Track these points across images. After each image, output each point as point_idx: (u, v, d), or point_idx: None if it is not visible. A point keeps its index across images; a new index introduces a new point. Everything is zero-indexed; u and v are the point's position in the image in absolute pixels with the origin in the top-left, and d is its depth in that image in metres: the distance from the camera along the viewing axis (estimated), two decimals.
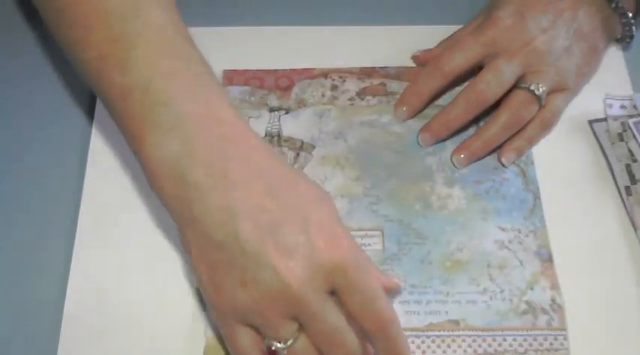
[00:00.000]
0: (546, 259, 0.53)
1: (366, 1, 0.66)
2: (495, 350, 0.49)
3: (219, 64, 0.61)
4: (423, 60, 0.61)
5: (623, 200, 0.56)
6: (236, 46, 0.63)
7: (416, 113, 0.59)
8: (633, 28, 0.61)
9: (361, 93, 0.60)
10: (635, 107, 0.59)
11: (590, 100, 0.60)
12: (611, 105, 0.59)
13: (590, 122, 0.60)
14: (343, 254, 0.43)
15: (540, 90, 0.56)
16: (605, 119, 0.59)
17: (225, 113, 0.45)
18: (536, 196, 0.55)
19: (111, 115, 0.48)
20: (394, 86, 0.60)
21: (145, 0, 0.47)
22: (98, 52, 0.46)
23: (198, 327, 0.51)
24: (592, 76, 0.61)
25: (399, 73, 0.61)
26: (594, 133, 0.59)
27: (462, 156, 0.57)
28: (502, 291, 0.51)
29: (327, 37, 0.64)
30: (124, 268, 0.53)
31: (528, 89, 0.56)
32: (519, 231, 0.54)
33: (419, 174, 0.56)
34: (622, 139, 0.57)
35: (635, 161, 0.56)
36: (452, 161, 0.57)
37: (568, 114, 0.60)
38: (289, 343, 0.44)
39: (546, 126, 0.58)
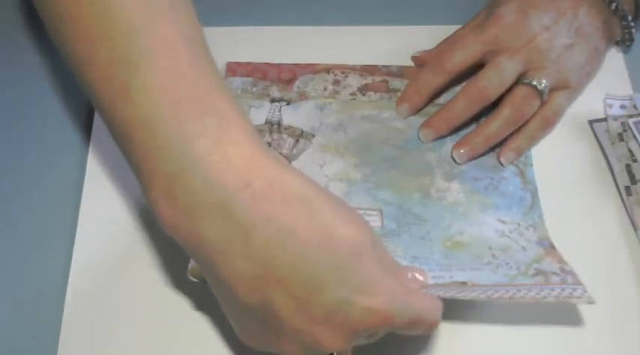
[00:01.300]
0: (548, 247, 0.53)
1: (367, 1, 0.66)
2: (511, 297, 0.47)
3: (221, 63, 0.61)
4: (422, 60, 0.61)
5: (623, 200, 0.56)
6: (238, 46, 0.63)
7: (417, 110, 0.59)
8: (633, 31, 0.61)
9: (363, 89, 0.60)
10: (635, 107, 0.58)
11: (590, 100, 0.60)
12: (611, 105, 0.59)
13: (590, 122, 0.60)
14: (383, 312, 0.40)
15: (542, 85, 0.56)
16: (605, 119, 0.59)
17: (240, 150, 0.39)
18: (535, 195, 0.55)
19: (117, 144, 0.43)
20: (396, 83, 0.60)
21: (155, 6, 0.41)
22: (102, 73, 0.41)
23: (200, 327, 0.51)
24: (593, 76, 0.61)
25: (401, 71, 0.61)
26: (594, 133, 0.59)
27: (462, 151, 0.56)
28: (508, 263, 0.51)
29: (327, 37, 0.64)
30: (124, 268, 0.53)
31: (530, 84, 0.56)
32: (519, 224, 0.54)
33: (418, 168, 0.56)
34: (622, 139, 0.57)
35: (635, 161, 0.56)
36: (452, 156, 0.57)
37: (568, 114, 0.60)
38: None
39: (548, 125, 0.58)
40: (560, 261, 0.51)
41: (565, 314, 0.51)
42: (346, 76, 0.61)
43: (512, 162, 0.57)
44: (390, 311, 0.41)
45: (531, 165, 0.57)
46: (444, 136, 0.58)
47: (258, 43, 0.63)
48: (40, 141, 0.59)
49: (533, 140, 0.58)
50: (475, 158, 0.57)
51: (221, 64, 0.61)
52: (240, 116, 0.41)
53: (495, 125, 0.56)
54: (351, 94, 0.60)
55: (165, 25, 0.41)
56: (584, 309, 0.51)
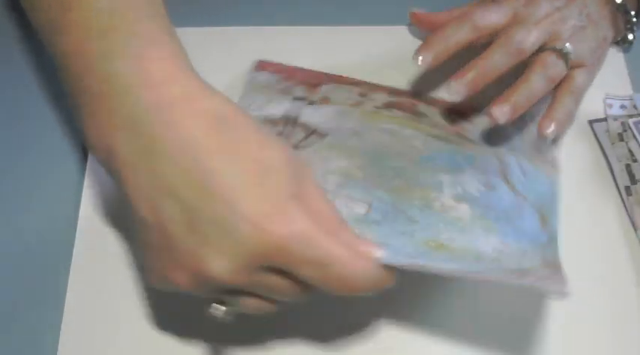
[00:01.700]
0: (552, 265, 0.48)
1: (366, 1, 0.66)
2: (483, 279, 0.46)
3: (221, 62, 0.61)
4: (420, 19, 0.61)
5: (623, 200, 0.56)
6: (238, 47, 0.63)
7: (438, 63, 0.54)
8: (634, 27, 0.61)
9: (388, 105, 0.58)
10: (635, 107, 0.59)
11: (590, 100, 0.60)
12: (611, 105, 0.59)
13: (590, 122, 0.60)
14: (278, 236, 0.38)
15: (566, 48, 0.55)
16: (605, 119, 0.59)
17: (161, 67, 0.41)
18: (552, 238, 0.50)
19: (62, 84, 0.45)
20: (423, 108, 0.58)
21: None
22: (45, 15, 0.44)
23: (200, 327, 0.51)
24: (601, 64, 0.60)
25: (432, 100, 0.59)
26: (594, 133, 0.59)
27: (505, 108, 0.52)
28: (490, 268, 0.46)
29: (326, 37, 0.64)
30: (124, 268, 0.53)
31: (554, 49, 0.55)
32: (525, 251, 0.48)
33: (427, 182, 0.52)
34: (622, 139, 0.57)
35: (635, 161, 0.56)
36: (493, 114, 0.52)
37: None
38: (226, 309, 0.41)
39: (576, 96, 0.57)
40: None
41: (564, 314, 0.51)
42: (374, 92, 0.59)
43: (554, 133, 0.54)
44: (287, 237, 0.38)
45: (556, 215, 0.52)
46: (473, 96, 0.53)
47: (258, 43, 0.63)
48: (40, 141, 0.59)
49: (569, 114, 0.56)
50: (513, 117, 0.53)
51: (221, 63, 0.61)
52: (172, 40, 0.42)
53: (527, 86, 0.53)
54: (376, 107, 0.57)
55: None
56: (583, 308, 0.51)
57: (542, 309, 0.51)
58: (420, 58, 0.54)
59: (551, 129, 0.54)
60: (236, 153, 0.39)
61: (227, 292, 0.40)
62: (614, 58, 0.63)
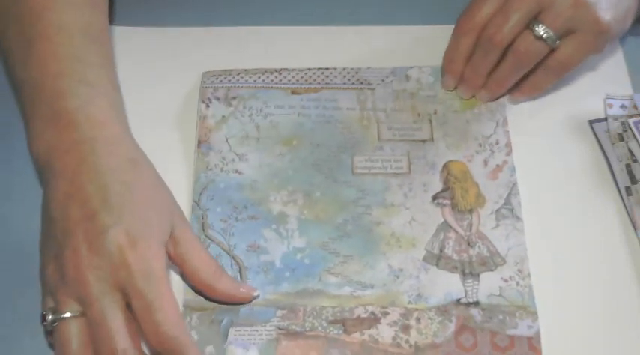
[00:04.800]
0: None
1: (366, 1, 0.66)
2: None
3: (221, 62, 0.61)
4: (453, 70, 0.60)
5: (623, 200, 0.56)
6: (237, 47, 0.63)
7: (457, 80, 0.60)
8: None
9: None
10: (635, 107, 0.59)
11: (590, 100, 0.60)
12: (611, 105, 0.59)
13: (590, 122, 0.60)
14: (135, 255, 0.46)
15: (539, 31, 0.55)
16: (605, 119, 0.59)
17: (99, 114, 0.51)
18: None
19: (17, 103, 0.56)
20: None
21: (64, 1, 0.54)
22: (9, 45, 0.55)
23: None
24: (626, 25, 0.58)
25: None
26: (594, 133, 0.59)
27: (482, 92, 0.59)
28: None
29: (325, 37, 0.63)
30: None
31: (532, 30, 0.55)
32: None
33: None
34: (622, 139, 0.57)
35: (635, 161, 0.56)
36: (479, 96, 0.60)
37: (568, 114, 0.60)
38: (62, 316, 0.46)
39: (553, 69, 0.57)
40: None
41: (564, 314, 0.51)
42: None
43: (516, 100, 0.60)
44: (138, 270, 0.46)
45: None
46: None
47: (258, 43, 0.63)
48: None
49: (537, 86, 0.59)
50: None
51: (222, 62, 0.61)
52: (113, 88, 0.54)
53: (498, 70, 0.57)
54: None
55: (62, 11, 0.54)
56: (583, 308, 0.51)
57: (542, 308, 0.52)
58: (446, 85, 0.60)
59: (516, 96, 0.60)
60: (134, 188, 0.49)
61: (79, 300, 0.46)
62: (614, 58, 0.63)
